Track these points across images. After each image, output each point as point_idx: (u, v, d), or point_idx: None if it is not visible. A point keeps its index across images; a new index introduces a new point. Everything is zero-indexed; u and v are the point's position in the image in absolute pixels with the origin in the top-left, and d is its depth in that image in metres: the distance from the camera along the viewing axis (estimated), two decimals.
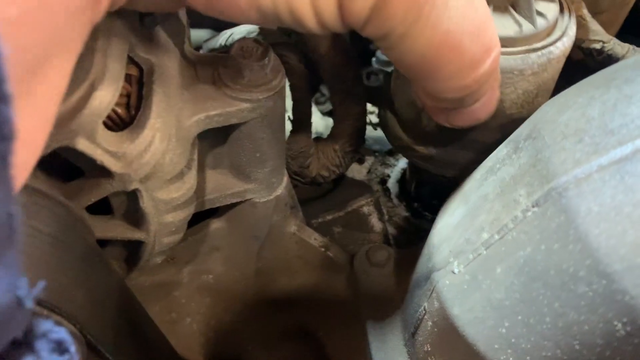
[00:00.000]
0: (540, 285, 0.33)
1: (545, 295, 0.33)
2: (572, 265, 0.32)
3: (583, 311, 0.32)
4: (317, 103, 0.94)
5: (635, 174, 0.30)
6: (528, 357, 0.36)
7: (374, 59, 0.88)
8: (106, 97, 0.36)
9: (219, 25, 0.73)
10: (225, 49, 0.59)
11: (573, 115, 0.35)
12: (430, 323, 0.43)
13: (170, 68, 0.44)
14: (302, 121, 0.60)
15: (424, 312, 0.44)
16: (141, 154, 0.39)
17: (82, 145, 0.36)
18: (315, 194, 0.72)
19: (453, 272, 0.39)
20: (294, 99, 0.59)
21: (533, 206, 0.34)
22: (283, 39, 0.59)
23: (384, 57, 0.86)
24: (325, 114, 0.92)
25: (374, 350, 0.53)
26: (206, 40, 0.69)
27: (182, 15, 0.45)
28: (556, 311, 0.33)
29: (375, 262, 0.56)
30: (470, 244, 0.38)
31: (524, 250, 0.34)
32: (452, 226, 0.42)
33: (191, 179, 0.45)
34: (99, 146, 0.37)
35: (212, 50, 0.67)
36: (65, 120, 0.35)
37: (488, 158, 0.42)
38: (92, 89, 0.35)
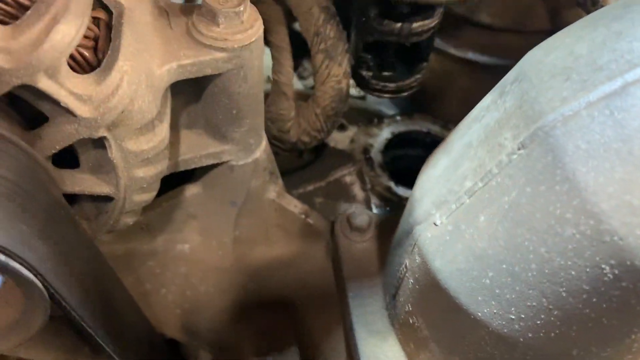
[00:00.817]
0: (525, 231, 0.32)
1: (530, 240, 0.32)
2: (559, 207, 0.30)
3: (570, 255, 0.30)
4: (301, 77, 0.93)
5: (624, 109, 0.29)
6: (513, 309, 0.34)
7: None
8: (69, 32, 0.34)
9: None
10: None
11: (560, 54, 0.33)
12: (411, 281, 0.41)
13: (141, 13, 0.42)
14: (282, 82, 0.57)
15: (405, 269, 0.42)
16: (108, 97, 0.37)
17: (44, 84, 0.34)
18: (297, 165, 0.70)
19: (435, 224, 0.38)
20: (274, 57, 0.57)
21: (519, 149, 0.33)
22: None
23: None
24: (309, 88, 0.90)
25: (355, 317, 0.51)
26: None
27: None
28: (542, 257, 0.32)
29: (356, 227, 0.54)
30: (453, 193, 0.37)
31: (509, 196, 0.33)
32: (434, 178, 0.40)
33: (162, 131, 0.43)
34: (63, 86, 0.35)
35: None
36: (25, 54, 0.33)
37: (473, 109, 0.41)
38: (54, 22, 0.33)
